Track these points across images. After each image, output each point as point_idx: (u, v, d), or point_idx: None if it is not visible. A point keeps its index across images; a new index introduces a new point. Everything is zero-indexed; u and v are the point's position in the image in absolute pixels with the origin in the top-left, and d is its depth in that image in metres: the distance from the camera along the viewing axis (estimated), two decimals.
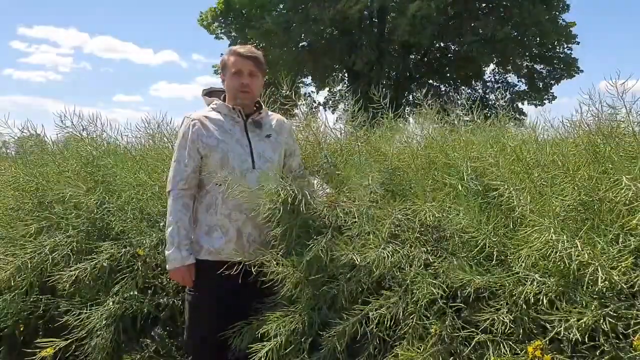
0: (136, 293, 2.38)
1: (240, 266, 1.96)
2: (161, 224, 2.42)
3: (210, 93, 2.29)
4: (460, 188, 1.85)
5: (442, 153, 2.08)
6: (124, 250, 2.36)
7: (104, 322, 2.27)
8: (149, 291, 2.46)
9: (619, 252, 1.40)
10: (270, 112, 2.28)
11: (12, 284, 2.43)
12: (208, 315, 2.11)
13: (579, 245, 1.37)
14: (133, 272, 2.38)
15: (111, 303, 2.31)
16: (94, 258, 2.32)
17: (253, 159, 2.11)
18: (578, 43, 19.61)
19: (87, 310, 2.31)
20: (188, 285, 2.14)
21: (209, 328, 2.09)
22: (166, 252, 2.09)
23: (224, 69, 2.18)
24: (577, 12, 36.25)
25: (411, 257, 1.77)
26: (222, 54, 2.25)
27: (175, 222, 2.07)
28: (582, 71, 20.04)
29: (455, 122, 2.25)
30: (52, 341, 2.25)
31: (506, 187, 1.70)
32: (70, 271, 2.28)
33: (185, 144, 2.12)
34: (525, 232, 1.51)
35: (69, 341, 2.26)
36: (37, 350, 2.23)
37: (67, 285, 2.28)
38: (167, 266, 2.11)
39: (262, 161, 2.12)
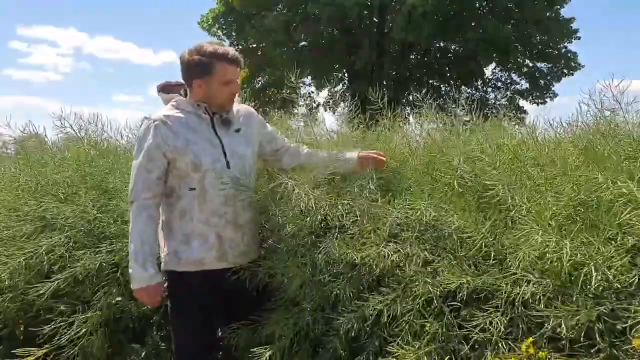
0: (123, 297, 2.34)
1: (225, 273, 1.93)
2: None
3: (164, 88, 2.11)
4: (457, 187, 1.85)
5: (440, 152, 2.08)
6: (103, 256, 2.32)
7: (85, 329, 2.24)
8: None
9: (616, 251, 1.41)
10: (234, 104, 2.06)
11: (9, 284, 2.43)
12: (195, 329, 2.00)
13: (567, 246, 1.37)
14: (120, 277, 2.34)
15: (101, 307, 2.29)
16: (77, 265, 2.30)
17: (226, 157, 1.95)
18: (579, 38, 19.59)
19: (77, 314, 2.30)
20: (154, 306, 2.02)
21: (198, 340, 2.00)
22: (129, 270, 1.91)
23: (202, 74, 1.91)
24: (577, 9, 36.23)
25: (410, 255, 1.78)
26: (194, 53, 1.92)
27: (139, 237, 1.89)
28: (583, 66, 20.01)
29: (454, 122, 2.25)
30: (29, 351, 2.23)
31: (503, 186, 1.71)
32: (50, 282, 2.25)
33: (147, 149, 1.90)
34: (522, 233, 1.52)
35: (44, 350, 2.24)
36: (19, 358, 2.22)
37: (49, 293, 2.25)
38: (131, 285, 1.93)
39: (235, 158, 1.97)
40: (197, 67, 1.91)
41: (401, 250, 1.78)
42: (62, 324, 2.27)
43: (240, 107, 2.09)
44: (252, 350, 1.83)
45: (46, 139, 3.16)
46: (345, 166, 2.09)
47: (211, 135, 1.96)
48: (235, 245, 1.98)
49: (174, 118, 1.94)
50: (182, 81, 2.02)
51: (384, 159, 2.15)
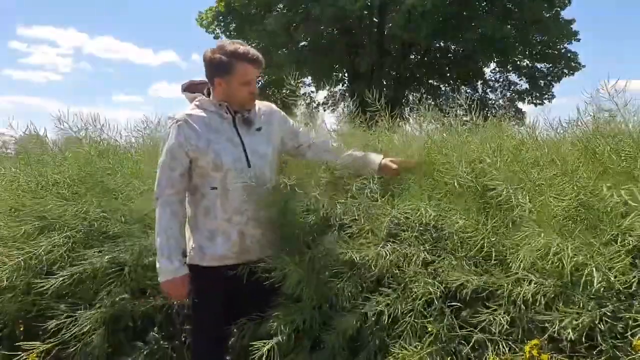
0: (127, 296, 2.36)
1: (246, 268, 1.93)
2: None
3: (189, 87, 2.13)
4: (457, 187, 1.85)
5: (439, 153, 2.08)
6: (110, 255, 2.34)
7: (90, 326, 2.25)
8: (147, 291, 2.46)
9: (617, 253, 1.40)
10: (255, 102, 2.09)
11: (8, 283, 2.43)
12: (215, 322, 2.04)
13: (569, 247, 1.37)
14: (126, 275, 2.36)
15: (105, 305, 2.30)
16: (82, 263, 2.31)
17: (247, 156, 2.00)
18: (579, 40, 19.56)
19: (81, 311, 2.30)
20: (181, 298, 2.06)
21: (217, 334, 2.04)
22: (157, 264, 1.98)
23: (223, 73, 1.96)
24: (577, 9, 36.23)
25: (410, 255, 1.78)
26: (217, 52, 1.95)
27: (165, 232, 1.96)
28: (584, 66, 19.95)
29: (452, 123, 2.24)
30: (34, 345, 2.25)
31: (504, 187, 1.71)
32: (54, 278, 2.26)
33: (171, 147, 1.96)
34: (523, 234, 1.51)
35: (50, 345, 2.25)
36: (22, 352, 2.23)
37: (53, 290, 2.26)
38: (158, 278, 2.00)
39: (256, 157, 2.01)
40: (218, 65, 1.95)
41: (399, 250, 1.78)
42: (66, 320, 2.28)
43: (261, 105, 2.12)
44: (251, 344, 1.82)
45: (46, 139, 3.17)
46: (367, 169, 2.10)
47: (233, 135, 2.01)
48: (256, 241, 2.02)
49: (197, 118, 1.99)
50: (206, 80, 2.06)
51: (410, 164, 2.10)
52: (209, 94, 2.06)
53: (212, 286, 2.03)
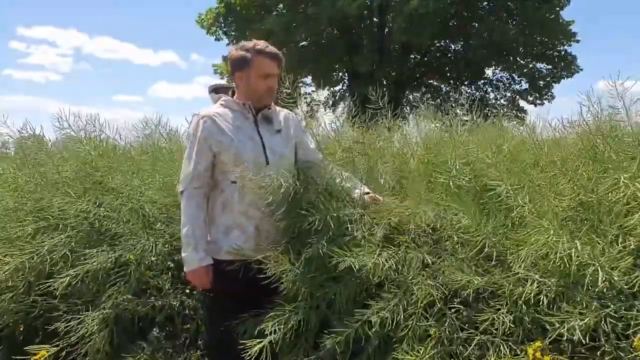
0: (130, 296, 2.35)
1: (258, 263, 1.92)
2: (157, 226, 2.42)
3: (216, 90, 2.24)
4: (455, 189, 1.84)
5: (438, 154, 2.07)
6: (115, 254, 2.34)
7: (97, 327, 2.25)
8: (148, 291, 2.45)
9: (619, 253, 1.40)
10: (277, 108, 2.24)
11: (10, 284, 2.43)
12: (229, 316, 2.05)
13: (578, 246, 1.36)
14: (127, 276, 2.36)
15: (107, 306, 2.30)
16: (87, 263, 2.30)
17: (266, 154, 2.09)
18: (578, 41, 19.55)
19: (83, 312, 2.30)
20: (205, 287, 2.10)
21: (228, 326, 2.02)
22: (182, 254, 2.08)
23: (243, 67, 2.11)
24: (577, 10, 36.21)
25: (408, 259, 1.76)
26: (239, 49, 2.13)
27: (190, 223, 2.05)
28: (581, 69, 19.99)
29: (450, 123, 2.24)
30: (42, 347, 2.25)
31: (503, 187, 1.70)
32: (61, 278, 2.26)
33: (196, 143, 2.07)
34: (525, 234, 1.51)
35: (58, 347, 2.25)
36: (31, 355, 2.23)
37: (61, 290, 2.26)
38: (184, 268, 2.09)
39: (274, 156, 2.10)
40: (239, 61, 2.11)
41: (396, 256, 1.76)
42: (72, 322, 2.28)
43: (282, 110, 2.25)
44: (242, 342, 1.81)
45: (46, 138, 3.17)
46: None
47: (253, 133, 2.11)
48: (271, 237, 2.09)
49: (221, 116, 2.11)
50: (231, 85, 2.22)
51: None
52: (233, 95, 2.18)
53: (227, 280, 2.06)
